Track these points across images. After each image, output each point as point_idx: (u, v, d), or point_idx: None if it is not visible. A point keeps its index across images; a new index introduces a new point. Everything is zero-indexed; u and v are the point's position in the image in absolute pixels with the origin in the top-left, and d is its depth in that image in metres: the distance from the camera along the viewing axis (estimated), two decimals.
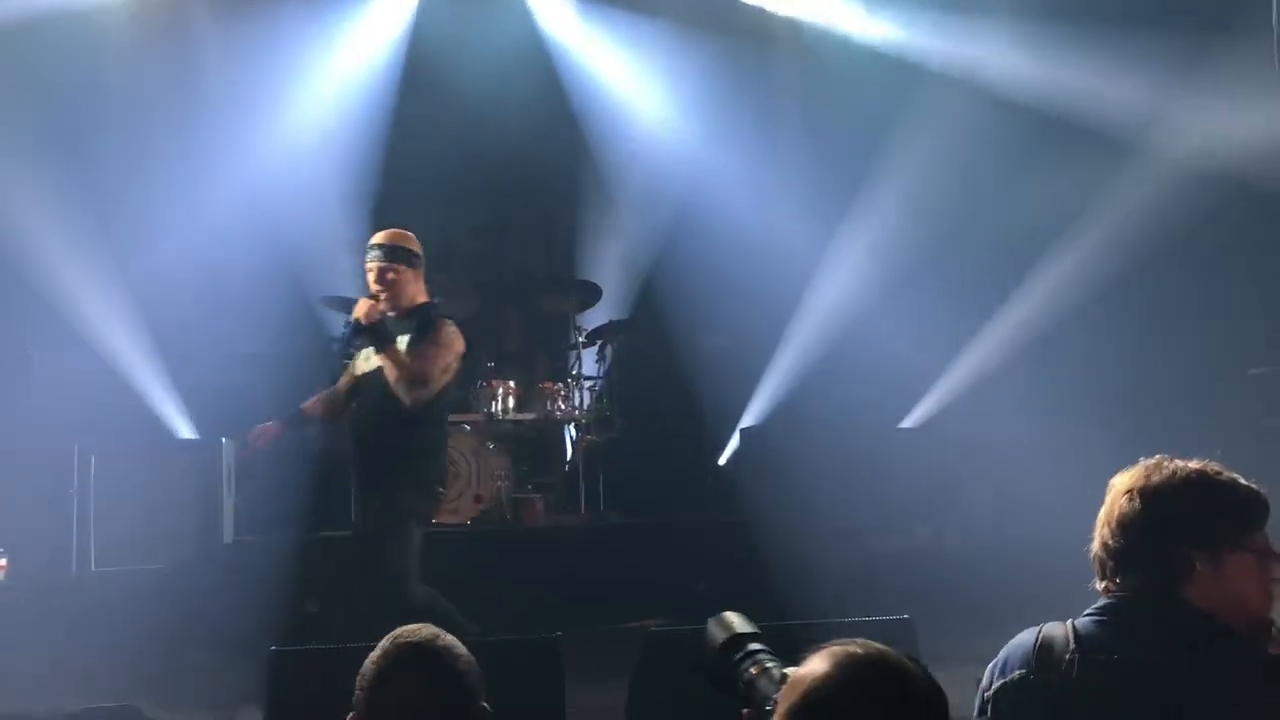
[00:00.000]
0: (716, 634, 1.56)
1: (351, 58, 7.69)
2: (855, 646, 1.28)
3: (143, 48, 6.97)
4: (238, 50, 7.26)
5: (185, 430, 7.06)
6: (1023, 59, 6.82)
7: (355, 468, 4.75)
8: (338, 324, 6.90)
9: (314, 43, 7.54)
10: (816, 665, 1.27)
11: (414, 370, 4.29)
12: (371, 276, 4.49)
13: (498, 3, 7.92)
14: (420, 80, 7.85)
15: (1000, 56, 6.90)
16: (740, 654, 1.51)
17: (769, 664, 1.47)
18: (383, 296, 4.40)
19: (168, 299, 6.92)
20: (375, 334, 4.30)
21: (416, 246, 4.59)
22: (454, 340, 4.48)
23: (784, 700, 1.27)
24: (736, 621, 1.56)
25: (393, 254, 4.47)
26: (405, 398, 4.27)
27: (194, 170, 7.07)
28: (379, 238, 4.57)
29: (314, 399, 4.70)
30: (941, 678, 1.27)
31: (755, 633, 1.54)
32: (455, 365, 4.49)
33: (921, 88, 7.18)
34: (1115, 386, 6.70)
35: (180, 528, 5.69)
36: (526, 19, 7.94)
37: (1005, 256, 7.13)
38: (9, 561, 5.47)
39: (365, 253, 4.56)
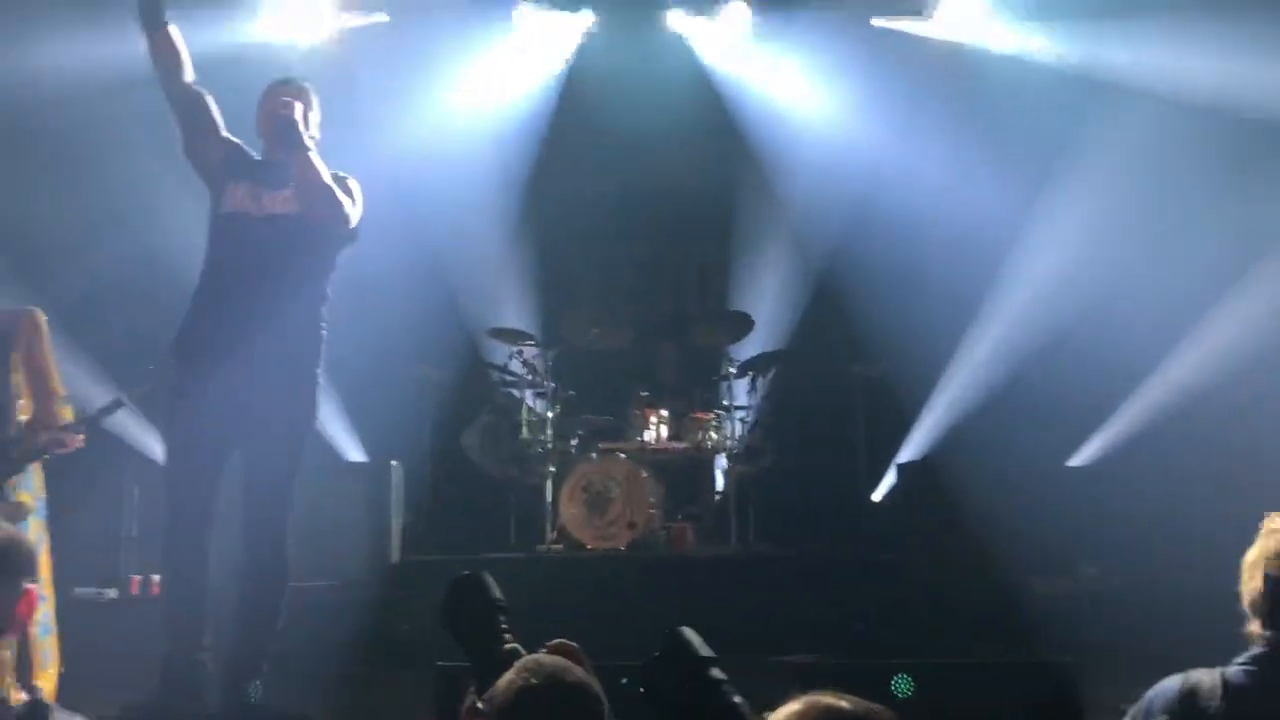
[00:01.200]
0: (689, 649, 1.54)
1: (512, 93, 7.94)
2: (830, 699, 1.26)
3: (316, 84, 7.34)
4: (398, 87, 7.58)
5: (355, 453, 7.41)
6: (1213, 58, 6.40)
7: None
8: (502, 354, 7.18)
9: (474, 79, 7.81)
10: (789, 710, 1.25)
11: None
12: None
13: (657, 38, 8.06)
14: (581, 116, 8.07)
15: (1188, 59, 6.50)
16: (712, 678, 1.49)
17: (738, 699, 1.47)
18: None
19: (337, 324, 7.24)
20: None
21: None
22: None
23: None
24: (699, 642, 1.56)
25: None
26: None
27: (369, 202, 7.42)
28: None
29: None
30: None
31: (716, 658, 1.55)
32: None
33: (1108, 99, 6.91)
34: None
35: (350, 547, 5.94)
36: (686, 54, 8.06)
37: (1197, 284, 6.68)
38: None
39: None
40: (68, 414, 4.39)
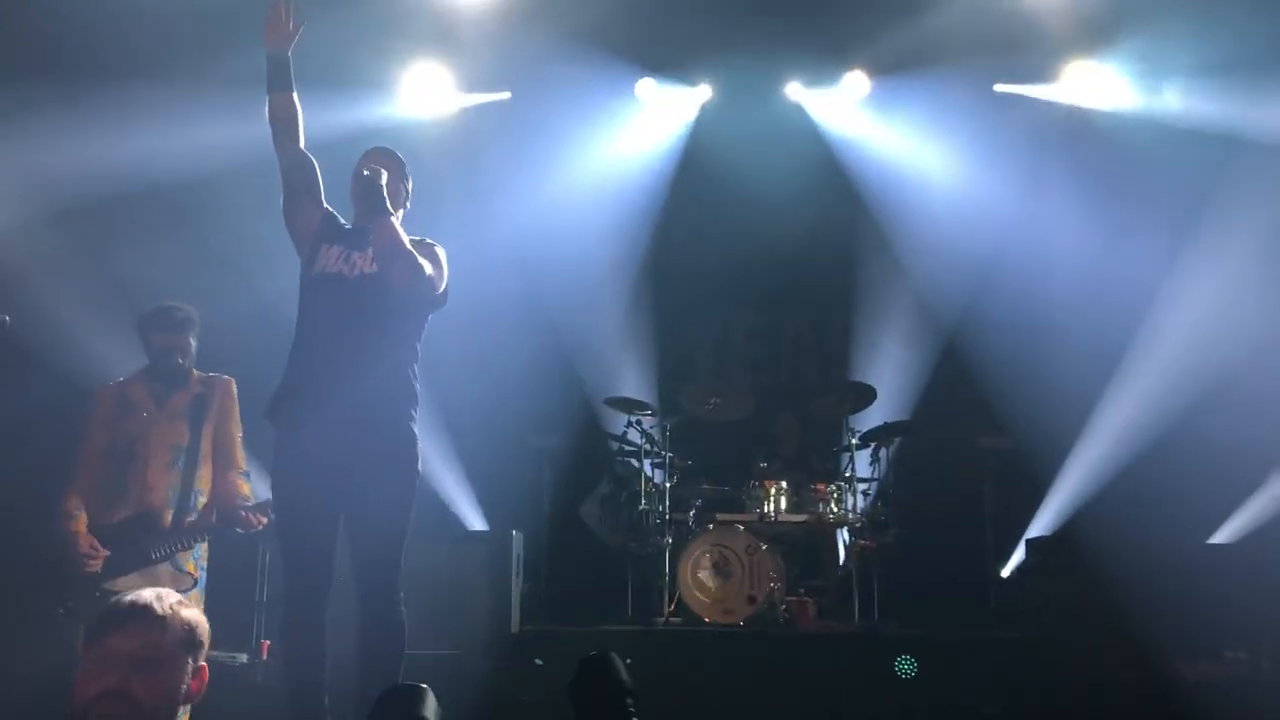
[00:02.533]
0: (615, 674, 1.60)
1: (632, 164, 8.10)
2: None
3: (441, 159, 7.59)
4: (520, 161, 7.80)
5: (477, 522, 7.51)
6: None
7: None
8: (620, 423, 7.23)
9: (595, 152, 7.99)
10: None
11: None
12: None
13: (776, 108, 8.14)
14: (700, 186, 8.17)
15: None
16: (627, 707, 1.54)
17: None
18: None
19: (458, 391, 7.38)
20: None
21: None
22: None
23: None
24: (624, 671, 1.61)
25: None
26: None
27: (480, 269, 7.59)
28: None
29: None
30: None
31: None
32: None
33: (1243, 156, 6.70)
34: None
35: (472, 615, 5.98)
36: (805, 123, 8.11)
37: None
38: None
39: None
40: (245, 489, 4.57)
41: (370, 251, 3.84)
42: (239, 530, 4.51)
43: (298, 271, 4.00)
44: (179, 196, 6.59)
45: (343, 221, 4.03)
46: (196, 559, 4.51)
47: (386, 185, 3.87)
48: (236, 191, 6.36)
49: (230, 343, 5.18)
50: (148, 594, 2.31)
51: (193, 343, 4.64)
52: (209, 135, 6.32)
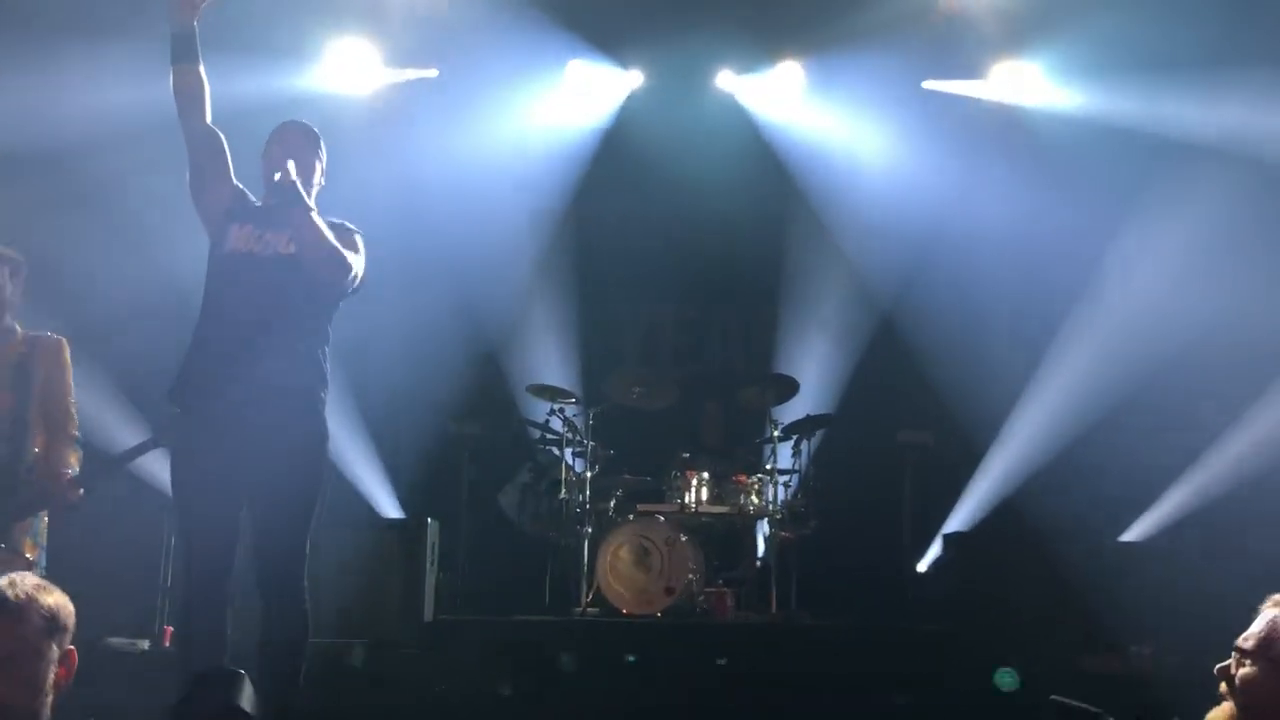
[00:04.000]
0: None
1: (558, 148, 7.97)
2: None
3: (365, 140, 7.42)
4: (443, 141, 7.61)
5: (392, 510, 7.37)
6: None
7: None
8: (541, 411, 7.14)
9: (520, 134, 7.85)
10: None
11: None
12: None
13: (707, 96, 8.09)
14: (628, 173, 8.09)
15: (1248, 113, 6.40)
16: None
17: None
18: None
19: (376, 379, 7.23)
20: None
21: None
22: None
23: None
24: None
25: None
26: None
27: (400, 250, 7.43)
28: None
29: None
30: None
31: None
32: None
33: (1172, 156, 6.77)
34: None
35: (384, 605, 5.87)
36: (736, 112, 8.07)
37: (1265, 356, 6.37)
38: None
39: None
40: (74, 459, 4.09)
41: (287, 233, 3.70)
42: (55, 506, 3.99)
43: (203, 246, 3.85)
44: (75, 160, 6.31)
45: (253, 199, 3.88)
46: (35, 537, 4.00)
47: (300, 163, 3.73)
48: (136, 156, 6.12)
49: (132, 319, 4.88)
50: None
51: (10, 289, 4.10)
52: (109, 95, 6.07)
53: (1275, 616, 2.01)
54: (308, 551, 3.66)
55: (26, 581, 2.19)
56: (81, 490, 3.96)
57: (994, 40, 7.38)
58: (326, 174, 3.99)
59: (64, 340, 4.21)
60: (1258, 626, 1.99)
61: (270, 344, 3.60)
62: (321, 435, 3.73)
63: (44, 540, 4.03)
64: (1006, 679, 5.40)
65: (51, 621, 2.16)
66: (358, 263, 3.80)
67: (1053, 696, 2.06)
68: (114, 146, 6.22)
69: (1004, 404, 7.46)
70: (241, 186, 3.89)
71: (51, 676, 2.14)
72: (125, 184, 6.36)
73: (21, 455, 3.95)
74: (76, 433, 4.12)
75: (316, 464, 3.71)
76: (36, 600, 2.15)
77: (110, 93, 6.05)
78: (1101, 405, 6.95)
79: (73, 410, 4.14)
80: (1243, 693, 2.04)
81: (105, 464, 4.08)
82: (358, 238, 3.88)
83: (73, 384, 4.18)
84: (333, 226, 3.80)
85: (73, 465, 4.05)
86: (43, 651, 2.13)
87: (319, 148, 3.93)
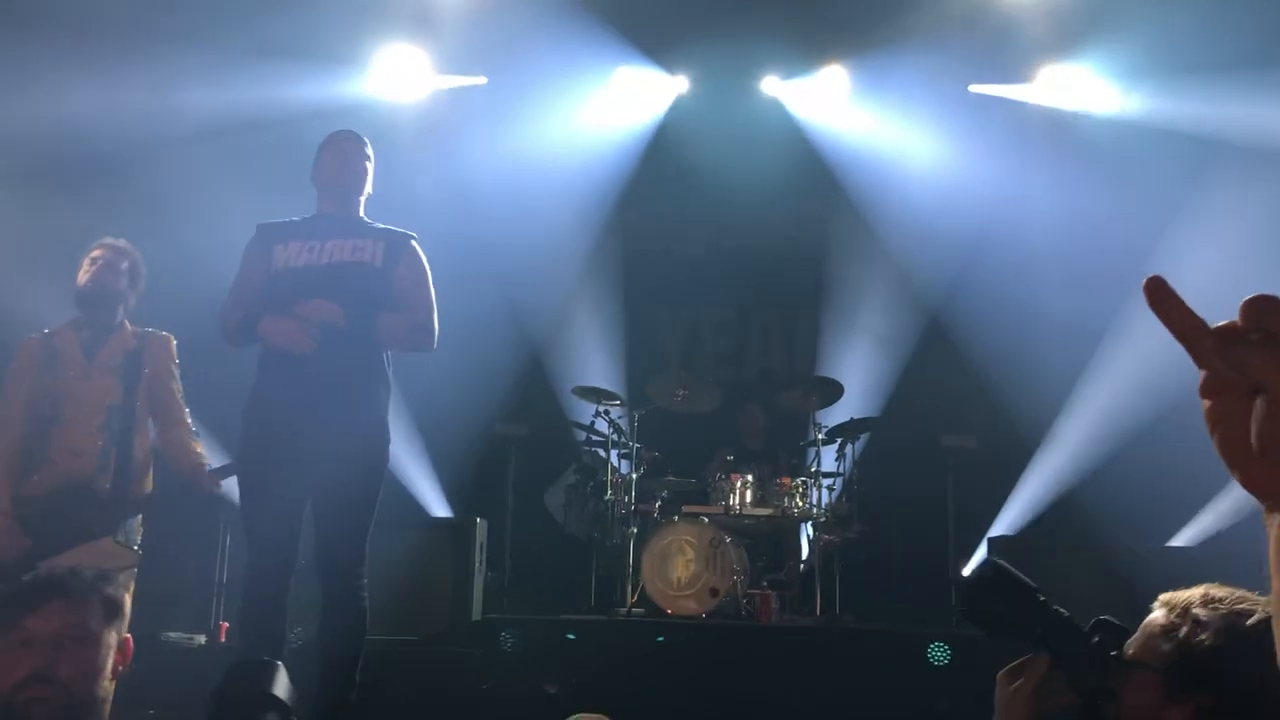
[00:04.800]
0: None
1: (604, 153, 8.04)
2: None
3: (415, 145, 7.53)
4: (491, 146, 7.71)
5: (440, 509, 7.47)
6: None
7: None
8: (587, 412, 7.21)
9: (567, 139, 7.93)
10: None
11: None
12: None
13: (751, 98, 8.12)
14: (673, 177, 8.15)
15: None
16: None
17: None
18: None
19: (425, 381, 7.33)
20: None
21: None
22: None
23: None
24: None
25: None
26: None
27: (449, 254, 7.51)
28: None
29: None
30: None
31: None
32: None
33: (1225, 157, 6.70)
34: None
35: (433, 602, 5.96)
36: (780, 117, 8.09)
37: None
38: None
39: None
40: (199, 446, 4.12)
41: (349, 241, 3.79)
42: (196, 494, 4.06)
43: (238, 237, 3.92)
44: (115, 158, 6.46)
45: (286, 219, 3.96)
46: (130, 534, 4.03)
47: (352, 171, 3.87)
48: (174, 155, 6.26)
49: (166, 307, 4.92)
50: (62, 570, 2.28)
51: (127, 284, 4.17)
52: (148, 97, 6.22)
53: (1151, 620, 1.82)
54: (367, 550, 3.76)
55: (88, 570, 2.30)
56: (219, 485, 4.04)
57: (1041, 43, 7.34)
58: (377, 179, 4.10)
59: (171, 336, 4.27)
60: (1138, 634, 1.80)
61: (334, 350, 3.68)
62: (384, 439, 3.82)
63: (139, 537, 4.08)
64: (938, 653, 5.49)
65: (110, 608, 2.26)
66: (427, 300, 3.91)
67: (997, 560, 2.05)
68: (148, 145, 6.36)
69: (1050, 407, 7.42)
70: (264, 223, 3.97)
71: (110, 663, 2.24)
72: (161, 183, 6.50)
73: (128, 450, 3.99)
74: (190, 423, 4.17)
75: (378, 464, 3.81)
76: (98, 589, 2.26)
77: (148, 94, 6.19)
78: (1150, 409, 6.88)
79: (182, 401, 4.17)
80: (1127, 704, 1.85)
81: (224, 469, 4.07)
82: (414, 243, 3.96)
83: (178, 377, 4.22)
84: (388, 234, 3.90)
85: (199, 452, 4.10)
86: (104, 638, 2.23)
87: (369, 155, 4.02)
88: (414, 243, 3.96)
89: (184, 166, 6.49)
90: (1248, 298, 0.83)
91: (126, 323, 4.21)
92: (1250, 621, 1.67)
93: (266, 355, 3.79)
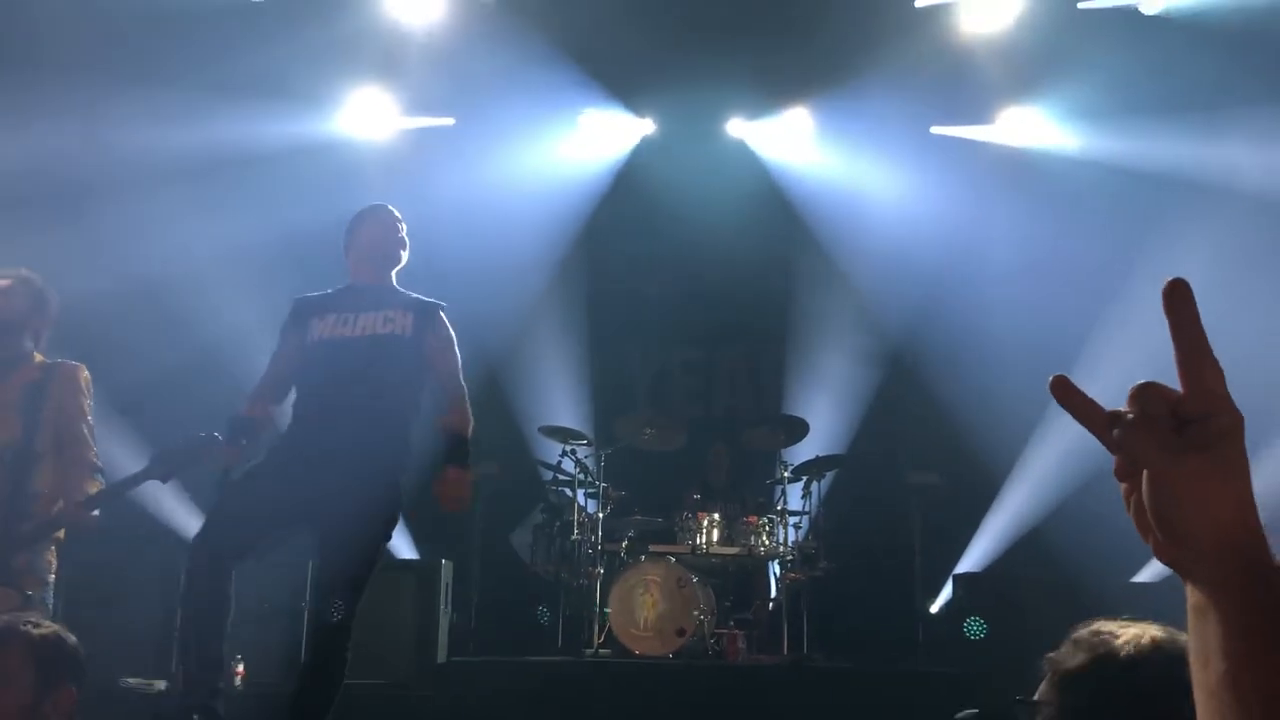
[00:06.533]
0: None
1: (571, 190, 8.08)
2: None
3: (381, 185, 7.54)
4: (458, 186, 7.71)
5: (406, 550, 7.40)
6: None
7: None
8: (554, 452, 7.19)
9: (533, 175, 7.95)
10: None
11: None
12: None
13: (716, 139, 8.19)
14: (639, 218, 8.19)
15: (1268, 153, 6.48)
16: None
17: None
18: None
19: None
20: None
21: None
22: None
23: None
24: None
25: None
26: None
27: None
28: None
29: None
30: None
31: None
32: None
33: (1184, 197, 6.83)
34: None
35: (398, 645, 5.89)
36: (746, 159, 8.18)
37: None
38: (245, 669, 5.78)
39: None
40: (92, 487, 3.81)
41: (382, 314, 3.95)
42: (72, 530, 3.78)
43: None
44: (78, 194, 6.43)
45: (320, 292, 4.10)
46: (37, 573, 3.73)
47: (391, 241, 4.12)
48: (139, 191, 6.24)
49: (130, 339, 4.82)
50: None
51: (28, 312, 3.93)
52: (115, 134, 6.20)
53: (1055, 657, 1.76)
54: (357, 605, 3.73)
55: (2, 615, 2.19)
56: (96, 513, 3.76)
57: (1000, 86, 7.49)
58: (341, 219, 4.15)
59: (82, 366, 4.01)
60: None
61: (359, 415, 3.79)
62: (393, 498, 3.90)
63: (49, 575, 3.80)
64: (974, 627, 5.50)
65: (35, 654, 2.14)
66: (454, 364, 4.12)
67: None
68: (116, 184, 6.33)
69: (1015, 444, 7.48)
70: (299, 297, 4.12)
71: (42, 712, 2.13)
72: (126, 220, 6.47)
73: (23, 486, 3.73)
74: (97, 460, 3.91)
75: (383, 520, 3.85)
76: (17, 631, 2.14)
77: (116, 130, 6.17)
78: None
79: (88, 436, 3.90)
80: None
81: (113, 489, 3.82)
82: (442, 313, 4.13)
83: (89, 410, 3.95)
84: (418, 304, 4.06)
85: (88, 493, 3.80)
86: (23, 683, 2.11)
87: (404, 229, 4.21)
88: (442, 312, 4.12)
89: (149, 203, 6.46)
90: (1135, 384, 0.90)
91: (36, 354, 3.98)
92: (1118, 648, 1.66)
93: (300, 403, 3.91)
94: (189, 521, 6.67)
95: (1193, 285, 0.92)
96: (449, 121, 7.87)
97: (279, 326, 4.11)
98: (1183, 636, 1.54)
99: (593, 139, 8.10)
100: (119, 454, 5.70)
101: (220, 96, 6.34)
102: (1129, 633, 1.67)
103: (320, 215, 7.03)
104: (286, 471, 3.74)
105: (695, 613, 6.41)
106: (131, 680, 5.58)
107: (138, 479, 3.66)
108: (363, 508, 3.72)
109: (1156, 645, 1.61)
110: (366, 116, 7.64)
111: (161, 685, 5.65)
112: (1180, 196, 6.83)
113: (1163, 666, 1.55)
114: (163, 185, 6.15)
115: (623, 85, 7.87)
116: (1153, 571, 6.74)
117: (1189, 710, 0.88)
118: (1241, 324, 6.65)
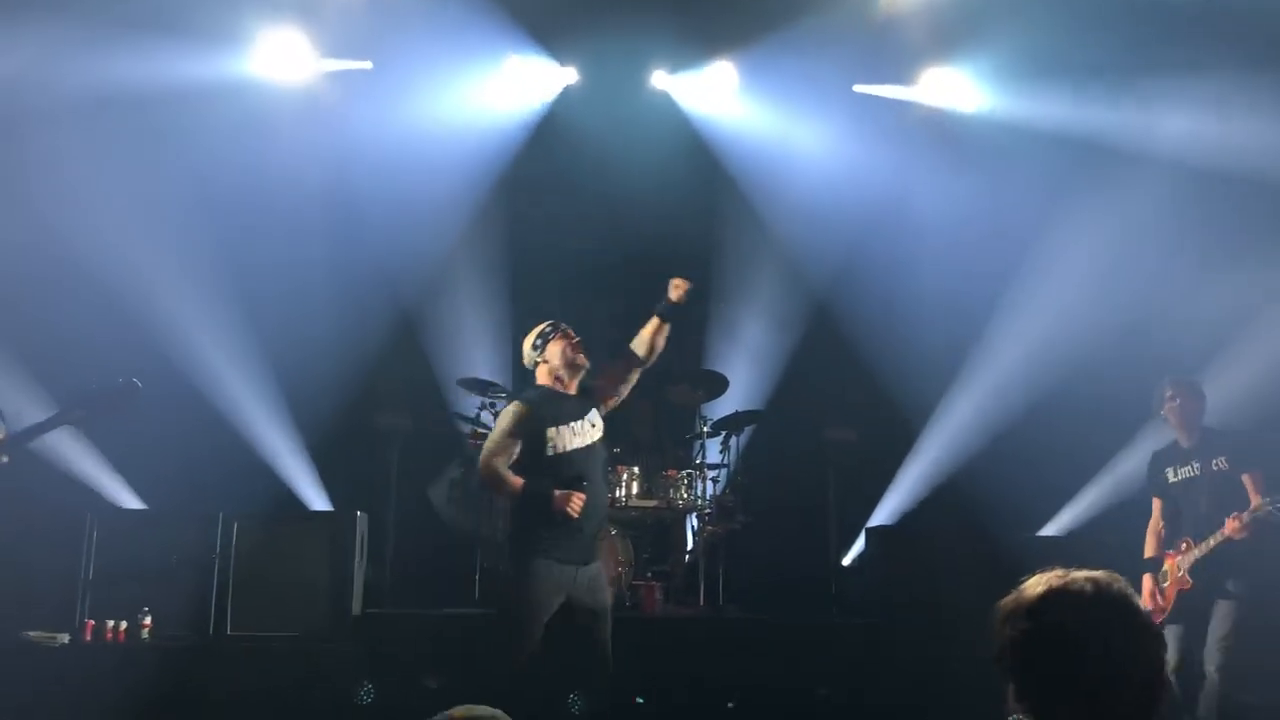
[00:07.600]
0: None
1: (493, 139, 7.91)
2: None
3: (296, 129, 7.33)
4: (375, 133, 7.56)
5: (319, 503, 7.30)
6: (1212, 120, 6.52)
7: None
8: (472, 405, 7.12)
9: (454, 123, 7.77)
10: None
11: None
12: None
13: (639, 91, 8.10)
14: (560, 170, 8.09)
15: (1183, 118, 6.60)
16: None
17: None
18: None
19: (304, 372, 7.17)
20: None
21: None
22: (501, 419, 4.78)
23: None
24: None
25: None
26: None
27: (335, 246, 7.33)
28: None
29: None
30: None
31: None
32: (503, 440, 4.65)
33: (1103, 161, 6.94)
34: None
35: (312, 598, 5.83)
36: (669, 111, 8.11)
37: (1189, 354, 6.31)
38: (153, 622, 5.67)
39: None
40: None
41: (582, 422, 4.86)
42: None
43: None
44: None
45: (550, 390, 4.94)
46: None
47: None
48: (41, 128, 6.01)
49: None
50: None
51: None
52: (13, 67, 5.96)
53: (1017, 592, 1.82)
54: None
55: None
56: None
57: (923, 47, 7.53)
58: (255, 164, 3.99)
59: None
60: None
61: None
62: None
63: None
64: None
65: None
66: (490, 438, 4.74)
67: None
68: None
69: (929, 401, 7.62)
70: (532, 400, 4.82)
71: None
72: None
73: None
74: None
75: None
76: None
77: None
78: (1024, 402, 7.12)
79: None
80: None
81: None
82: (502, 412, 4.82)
83: None
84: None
85: None
86: None
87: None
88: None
89: (51, 140, 6.21)
90: None
91: None
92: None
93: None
94: (95, 473, 6.50)
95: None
96: (367, 65, 7.65)
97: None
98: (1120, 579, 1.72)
99: (515, 86, 7.95)
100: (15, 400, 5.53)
101: (122, 31, 6.07)
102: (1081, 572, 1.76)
103: (233, 158, 6.86)
104: None
105: (613, 565, 6.44)
106: (34, 634, 5.44)
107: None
108: None
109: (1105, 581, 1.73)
110: (281, 58, 7.39)
111: (65, 638, 5.52)
112: (1098, 159, 6.96)
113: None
114: (58, 123, 5.89)
115: (546, 32, 7.72)
116: (1058, 525, 6.96)
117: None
118: (1153, 284, 6.86)
